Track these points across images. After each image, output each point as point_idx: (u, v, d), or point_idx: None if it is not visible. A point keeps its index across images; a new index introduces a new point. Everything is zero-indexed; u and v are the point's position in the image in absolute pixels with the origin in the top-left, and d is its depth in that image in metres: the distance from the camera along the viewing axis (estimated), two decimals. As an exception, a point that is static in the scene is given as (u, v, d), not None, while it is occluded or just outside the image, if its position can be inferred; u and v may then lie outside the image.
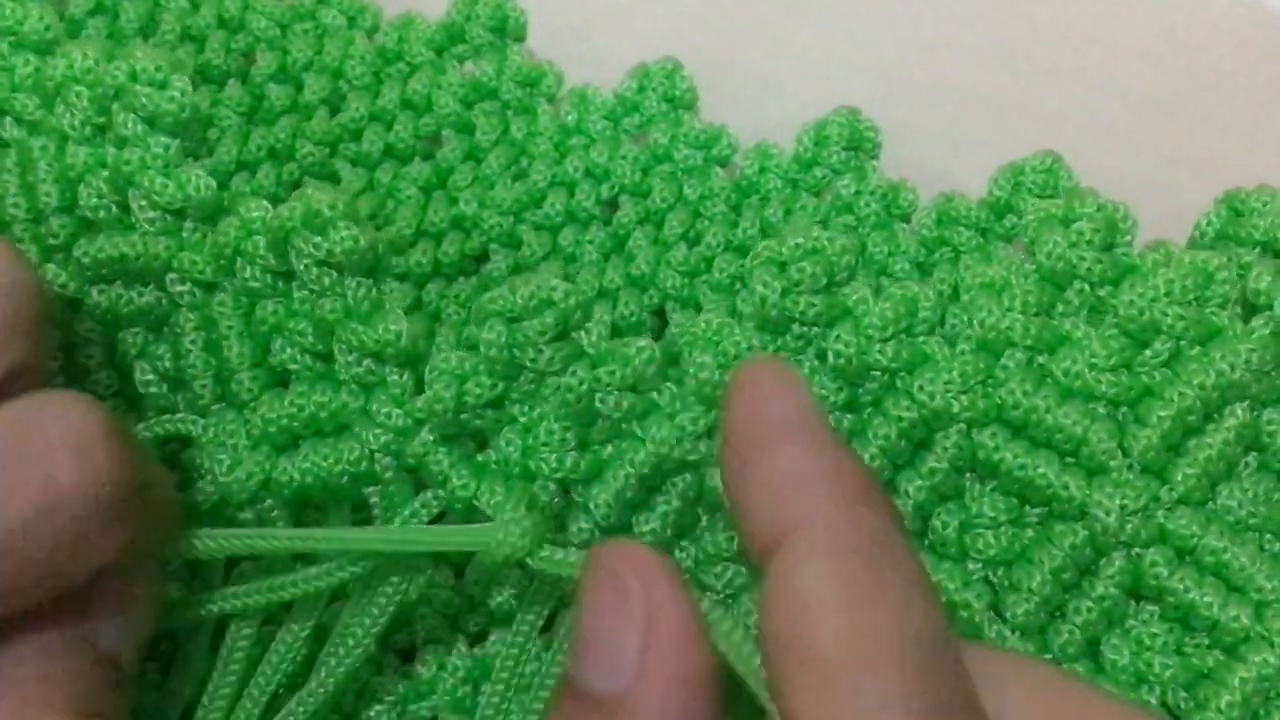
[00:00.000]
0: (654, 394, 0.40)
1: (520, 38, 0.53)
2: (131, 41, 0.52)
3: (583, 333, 0.40)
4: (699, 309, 0.49)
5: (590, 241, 0.50)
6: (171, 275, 0.42)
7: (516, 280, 0.39)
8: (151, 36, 0.52)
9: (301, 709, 0.40)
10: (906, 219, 0.49)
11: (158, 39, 0.52)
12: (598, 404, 0.40)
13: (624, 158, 0.50)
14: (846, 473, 0.32)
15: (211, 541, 0.40)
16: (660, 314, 0.50)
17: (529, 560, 0.38)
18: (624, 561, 0.33)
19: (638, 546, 0.34)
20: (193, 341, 0.42)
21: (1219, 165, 0.47)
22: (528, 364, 0.39)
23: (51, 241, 0.42)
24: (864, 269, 0.48)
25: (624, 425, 0.40)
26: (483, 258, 0.51)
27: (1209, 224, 0.44)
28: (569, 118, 0.51)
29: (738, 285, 0.49)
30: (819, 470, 0.31)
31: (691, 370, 0.40)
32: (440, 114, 0.52)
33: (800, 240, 0.40)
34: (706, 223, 0.49)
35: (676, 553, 0.41)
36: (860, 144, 0.49)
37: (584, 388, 0.39)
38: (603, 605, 0.33)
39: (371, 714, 0.43)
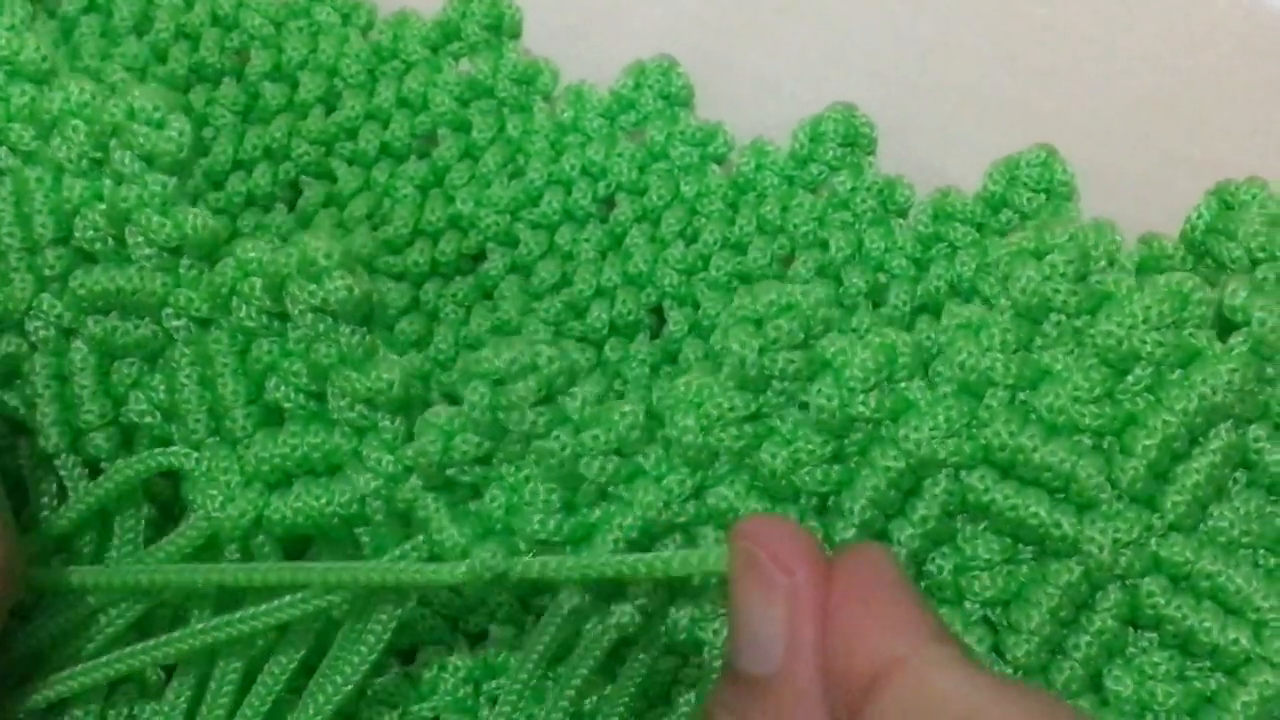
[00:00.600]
0: (639, 457, 0.40)
1: (516, 35, 0.52)
2: (125, 41, 0.51)
3: (567, 397, 0.40)
4: (696, 306, 0.49)
5: (587, 239, 0.50)
6: (167, 310, 0.42)
7: (500, 343, 0.39)
8: (145, 34, 0.52)
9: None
10: (903, 214, 0.49)
11: (151, 36, 0.52)
12: (582, 468, 0.40)
13: (620, 155, 0.50)
14: (936, 620, 0.35)
15: (199, 576, 0.41)
16: (658, 311, 0.50)
17: (511, 572, 0.39)
18: (764, 545, 0.36)
19: (775, 525, 0.37)
20: (187, 376, 0.42)
21: (1217, 165, 0.46)
22: (511, 426, 0.39)
23: (48, 272, 0.42)
24: (862, 264, 0.48)
25: (610, 489, 0.40)
26: (480, 256, 0.51)
27: (1199, 217, 0.43)
28: (565, 115, 0.51)
29: (734, 283, 0.49)
30: (916, 616, 0.35)
31: (675, 433, 0.40)
32: (436, 112, 0.52)
33: (774, 297, 0.39)
34: (703, 220, 0.49)
35: (674, 610, 0.41)
36: (856, 140, 0.49)
37: (567, 452, 0.40)
38: (748, 595, 0.36)
39: (373, 715, 0.44)
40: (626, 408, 0.40)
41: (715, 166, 0.50)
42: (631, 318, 0.49)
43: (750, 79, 0.53)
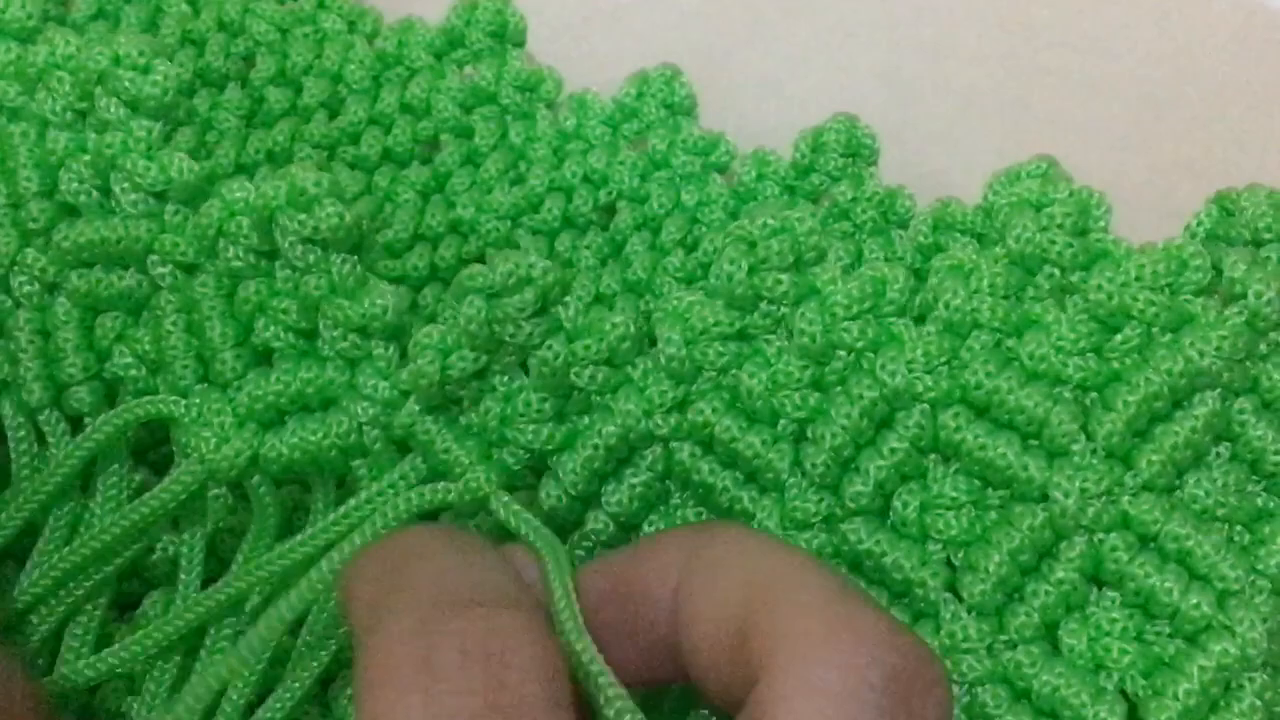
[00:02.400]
0: (629, 368, 0.40)
1: (520, 43, 0.53)
2: None
3: (561, 307, 0.40)
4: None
5: (587, 247, 0.50)
6: (153, 257, 0.42)
7: (495, 257, 0.40)
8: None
9: (280, 705, 0.41)
10: (904, 225, 0.49)
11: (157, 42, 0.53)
12: (573, 377, 0.40)
13: (622, 163, 0.51)
14: None
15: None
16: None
17: (491, 501, 0.40)
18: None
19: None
20: (174, 323, 0.42)
21: (1218, 167, 0.46)
22: (507, 339, 0.40)
23: (31, 226, 0.43)
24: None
25: (598, 398, 0.41)
26: (480, 262, 0.51)
27: (1199, 224, 0.43)
28: (568, 123, 0.52)
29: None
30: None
31: (660, 345, 0.40)
32: (439, 118, 0.53)
33: (769, 219, 0.40)
34: (703, 229, 0.50)
35: (645, 526, 0.41)
36: (858, 150, 0.50)
37: (560, 361, 0.40)
38: None
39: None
40: (618, 318, 0.40)
41: (717, 175, 0.51)
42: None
43: (752, 80, 0.54)
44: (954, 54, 0.53)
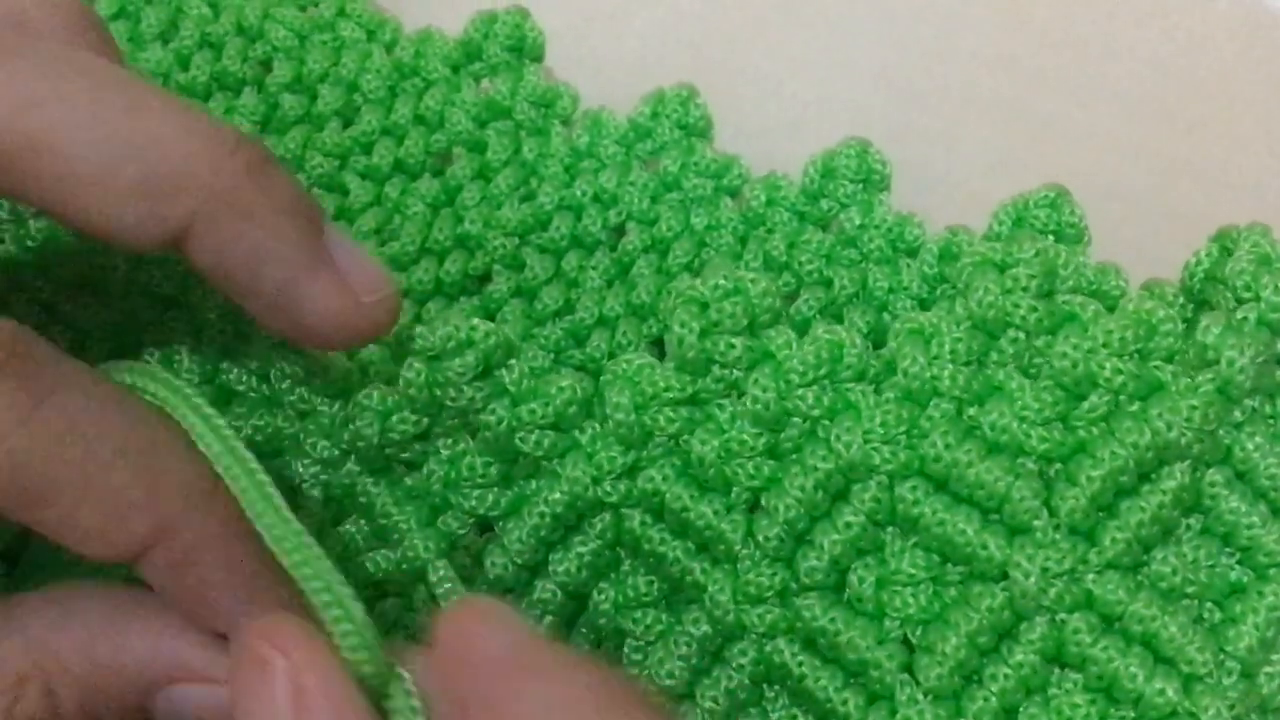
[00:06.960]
0: (576, 433, 0.39)
1: (538, 58, 0.53)
2: (150, 47, 0.53)
3: (504, 370, 0.39)
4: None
5: (594, 267, 0.50)
6: (135, 289, 0.43)
7: (436, 321, 0.38)
8: (171, 41, 0.54)
9: None
10: (912, 254, 0.47)
11: (177, 44, 0.54)
12: (518, 442, 0.39)
13: (633, 184, 0.50)
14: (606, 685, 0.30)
15: None
16: (659, 344, 0.49)
17: (429, 572, 0.39)
18: (263, 636, 0.32)
19: (281, 621, 0.33)
20: (150, 354, 0.41)
21: (1218, 168, 0.46)
22: (448, 402, 0.38)
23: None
24: (865, 304, 0.47)
25: (545, 463, 0.39)
26: (486, 277, 0.51)
27: (1198, 264, 0.41)
28: (581, 140, 0.51)
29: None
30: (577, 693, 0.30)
31: (609, 410, 0.39)
32: (452, 131, 0.52)
33: (722, 281, 0.38)
34: (712, 253, 0.48)
35: (595, 595, 0.40)
36: (869, 176, 0.48)
37: (503, 426, 0.39)
38: (246, 684, 0.32)
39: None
40: (564, 382, 0.39)
41: (728, 199, 0.50)
42: (632, 348, 0.48)
43: (752, 80, 0.54)
44: (954, 54, 0.53)
